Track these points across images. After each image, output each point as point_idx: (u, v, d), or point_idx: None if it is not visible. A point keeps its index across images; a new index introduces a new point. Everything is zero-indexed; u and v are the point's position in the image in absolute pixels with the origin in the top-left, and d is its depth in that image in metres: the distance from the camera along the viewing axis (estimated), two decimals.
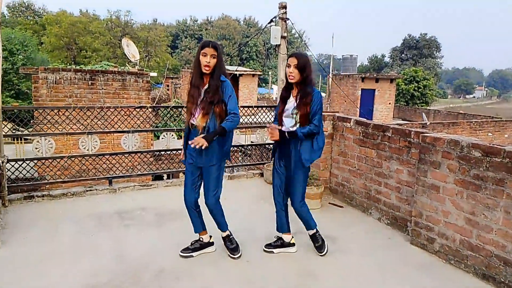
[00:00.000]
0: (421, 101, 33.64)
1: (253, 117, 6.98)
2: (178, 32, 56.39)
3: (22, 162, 4.49)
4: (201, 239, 3.25)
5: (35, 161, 4.62)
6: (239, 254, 3.19)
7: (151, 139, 10.33)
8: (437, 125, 16.22)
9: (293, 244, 3.34)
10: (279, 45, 6.61)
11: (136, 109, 5.34)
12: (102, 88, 9.45)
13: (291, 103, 3.07)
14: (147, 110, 7.05)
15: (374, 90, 21.54)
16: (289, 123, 3.08)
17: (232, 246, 3.21)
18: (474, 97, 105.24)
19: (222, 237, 3.24)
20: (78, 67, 10.92)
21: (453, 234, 3.16)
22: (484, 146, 2.91)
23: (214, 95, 2.83)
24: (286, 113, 3.09)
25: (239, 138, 6.07)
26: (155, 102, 16.77)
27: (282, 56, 6.42)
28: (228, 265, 3.10)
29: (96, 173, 5.15)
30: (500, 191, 2.81)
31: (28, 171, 4.63)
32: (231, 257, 3.18)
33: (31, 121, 8.77)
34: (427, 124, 16.29)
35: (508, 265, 2.77)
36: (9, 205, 4.17)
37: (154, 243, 3.42)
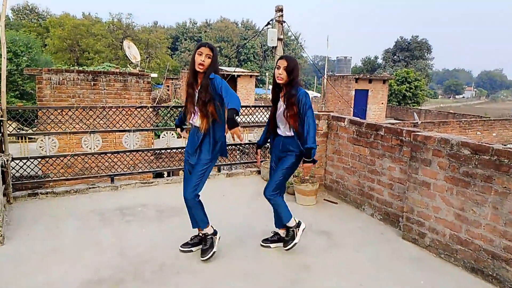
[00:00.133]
0: (412, 101, 33.72)
1: (250, 116, 6.98)
2: (178, 34, 56.21)
3: (26, 160, 4.47)
4: (200, 234, 3.24)
5: (39, 160, 4.60)
6: (207, 257, 2.98)
7: (152, 138, 10.31)
8: (428, 124, 16.24)
9: None
10: (276, 46, 6.62)
11: (137, 109, 5.32)
12: (104, 89, 9.41)
13: (282, 107, 3.07)
14: (148, 110, 7.02)
15: (368, 90, 21.59)
16: (285, 128, 3.08)
17: (204, 247, 3.04)
18: (463, 97, 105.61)
19: (199, 235, 3.17)
20: (81, 68, 10.88)
21: (443, 229, 3.16)
22: (473, 144, 2.91)
23: (205, 93, 2.79)
24: (279, 118, 3.10)
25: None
26: (156, 102, 16.74)
27: (279, 57, 6.41)
28: (226, 259, 3.09)
29: (98, 171, 5.13)
30: (488, 188, 2.82)
31: (32, 169, 4.61)
32: (201, 258, 3.00)
33: (35, 121, 8.72)
34: (418, 123, 16.32)
35: (496, 259, 2.78)
36: (14, 202, 4.15)
37: (154, 239, 3.41)
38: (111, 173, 4.90)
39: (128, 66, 14.05)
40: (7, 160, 4.00)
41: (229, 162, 5.96)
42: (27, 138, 9.65)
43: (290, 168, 3.10)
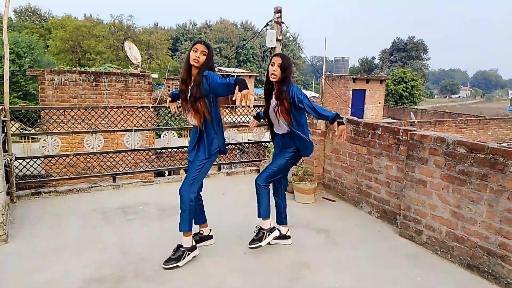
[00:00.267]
0: (409, 100, 33.74)
1: (250, 116, 6.97)
2: (178, 35, 56.14)
3: (29, 160, 4.46)
4: (201, 232, 3.24)
5: (42, 159, 4.60)
6: (167, 267, 2.82)
7: (153, 138, 10.31)
8: (425, 124, 16.26)
9: (289, 237, 3.33)
10: (275, 47, 6.61)
11: (138, 109, 5.32)
12: (106, 89, 9.41)
13: (274, 103, 3.05)
14: (148, 110, 7.02)
15: (365, 90, 21.61)
16: (278, 126, 3.08)
17: (172, 256, 2.87)
18: (459, 97, 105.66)
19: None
20: (82, 69, 10.86)
21: (439, 226, 3.17)
22: (468, 143, 2.91)
23: (197, 89, 2.72)
24: (271, 115, 3.08)
25: (236, 136, 6.05)
26: (157, 102, 16.70)
27: (274, 54, 6.41)
28: (227, 257, 3.09)
29: (100, 170, 5.12)
30: (483, 186, 2.82)
31: (35, 169, 4.61)
32: (163, 266, 2.84)
33: (38, 121, 8.71)
34: (415, 122, 16.34)
35: (492, 255, 2.78)
36: (17, 201, 4.14)
37: (156, 237, 3.41)
38: (113, 172, 4.89)
39: (129, 67, 14.03)
40: (11, 160, 4.00)
41: (229, 161, 5.96)
42: (30, 138, 9.63)
43: (286, 160, 3.08)
